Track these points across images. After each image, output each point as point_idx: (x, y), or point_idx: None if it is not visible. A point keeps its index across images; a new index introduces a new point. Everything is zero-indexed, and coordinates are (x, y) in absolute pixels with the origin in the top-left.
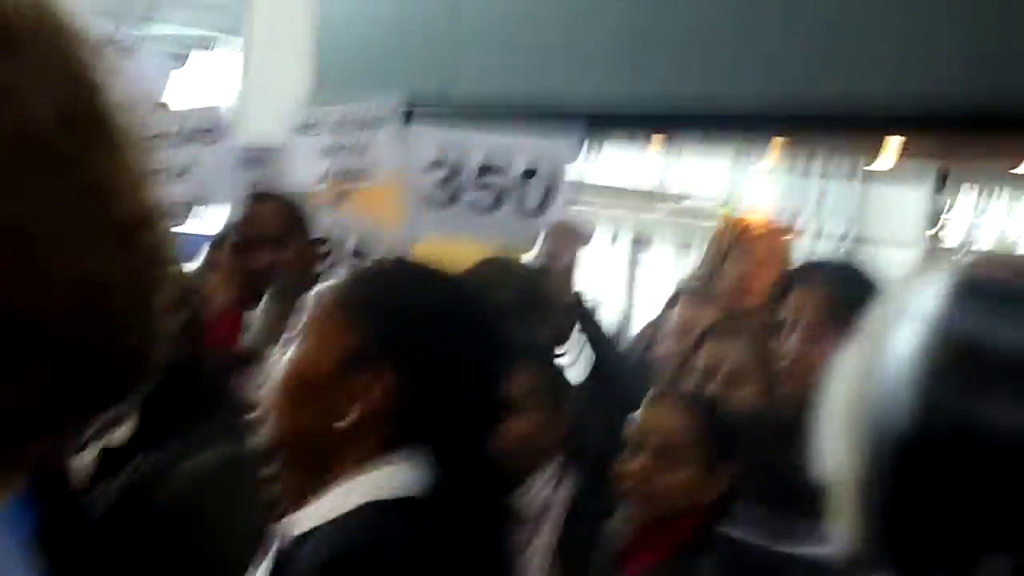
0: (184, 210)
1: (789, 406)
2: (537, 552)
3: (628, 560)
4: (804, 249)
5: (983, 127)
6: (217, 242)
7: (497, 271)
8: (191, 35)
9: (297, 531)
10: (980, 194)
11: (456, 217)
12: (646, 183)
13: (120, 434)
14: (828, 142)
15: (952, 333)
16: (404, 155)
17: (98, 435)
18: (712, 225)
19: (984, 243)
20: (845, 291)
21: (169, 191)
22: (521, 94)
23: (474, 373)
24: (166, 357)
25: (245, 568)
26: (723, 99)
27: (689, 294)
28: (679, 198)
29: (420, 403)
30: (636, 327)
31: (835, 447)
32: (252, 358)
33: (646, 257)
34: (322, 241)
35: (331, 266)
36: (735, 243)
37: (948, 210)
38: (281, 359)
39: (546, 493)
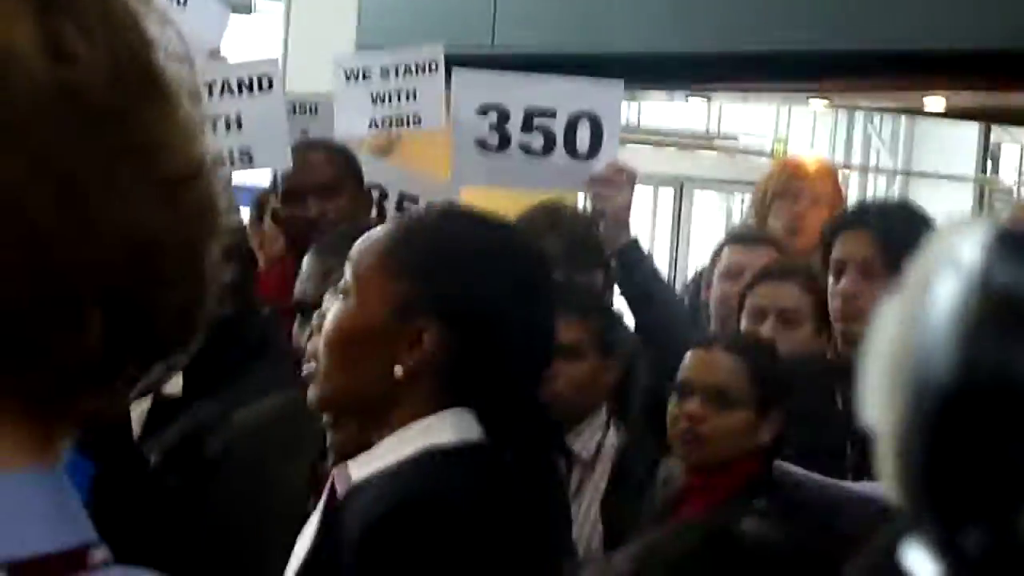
0: (235, 161)
1: (843, 348)
2: (590, 497)
3: (681, 505)
4: (855, 188)
5: None
6: (269, 191)
7: (548, 216)
8: None
9: (355, 478)
10: None
11: (507, 162)
12: (694, 126)
13: (173, 385)
14: (877, 83)
15: (992, 285)
16: (453, 100)
17: (152, 386)
18: (762, 166)
19: None
20: (898, 231)
21: (221, 141)
22: (565, 42)
23: (523, 321)
24: (218, 311)
25: (299, 517)
26: (770, 41)
27: (740, 237)
28: (728, 140)
29: (471, 352)
30: (687, 271)
31: (877, 397)
32: (303, 308)
33: (695, 200)
34: (371, 189)
35: (380, 214)
36: (786, 184)
37: (1002, 145)
38: (330, 314)
39: (598, 438)
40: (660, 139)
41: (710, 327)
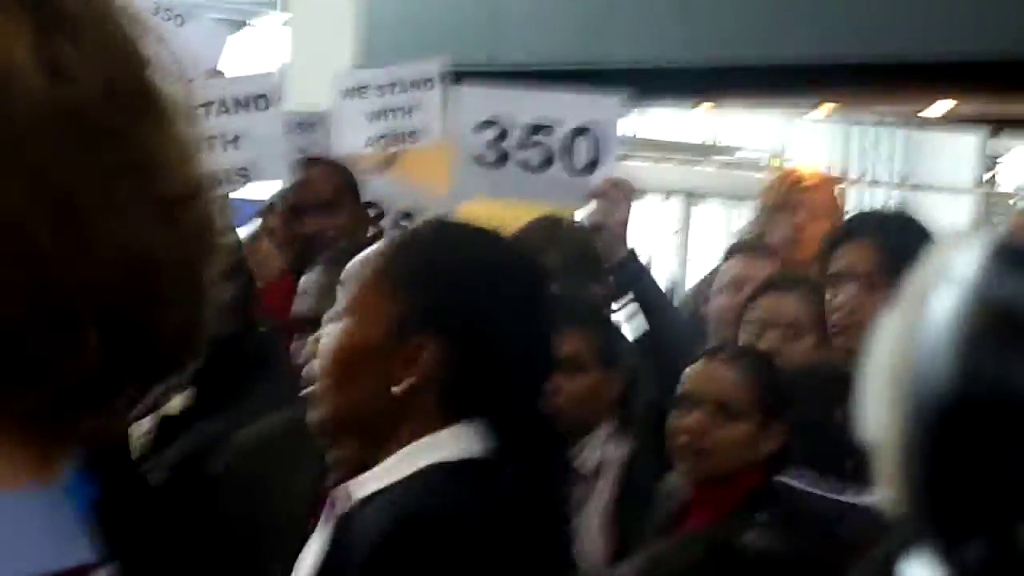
0: (235, 177)
1: (844, 359)
2: (594, 511)
3: (685, 517)
4: (856, 199)
5: None
6: (268, 209)
7: (548, 230)
8: (249, 1)
9: (360, 495)
10: None
11: (506, 177)
12: (696, 137)
13: (176, 403)
14: (878, 94)
15: (990, 297)
16: (452, 116)
17: (155, 405)
18: (763, 178)
19: None
20: (899, 242)
21: (220, 159)
22: (566, 54)
23: (521, 331)
24: (218, 329)
25: (301, 534)
26: (771, 54)
27: (742, 248)
28: (729, 152)
29: (470, 365)
30: (689, 282)
31: (877, 409)
32: (305, 325)
33: (697, 212)
34: (372, 205)
35: (381, 230)
36: (787, 196)
37: (1002, 155)
38: (326, 336)
39: (602, 452)
40: (662, 152)
41: (710, 339)
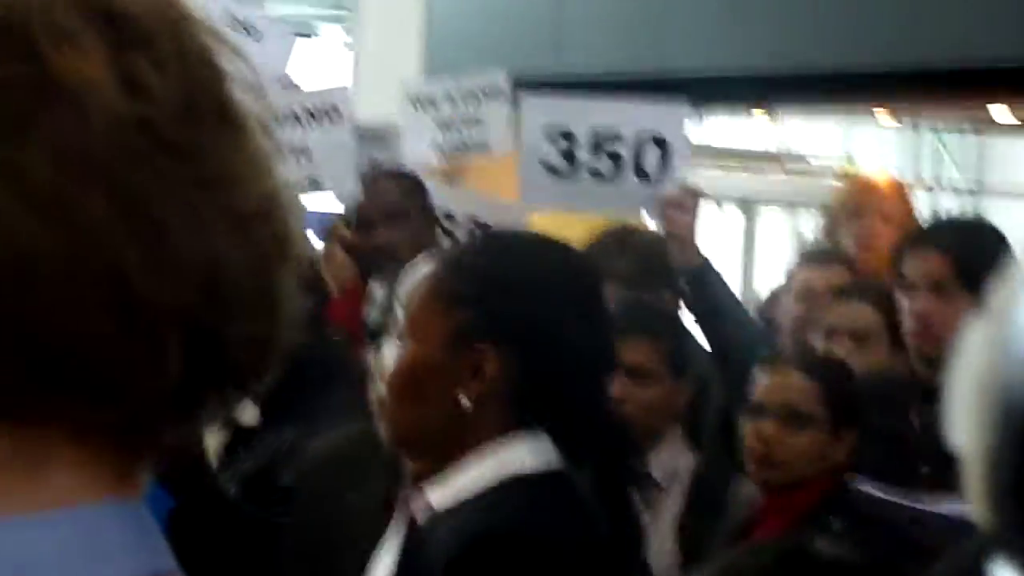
0: (305, 190)
1: (917, 367)
2: (665, 519)
3: (756, 525)
4: (927, 205)
5: None
6: (339, 220)
7: (620, 238)
8: (311, 14)
9: (436, 505)
10: None
11: (575, 186)
12: (762, 145)
13: (249, 414)
14: (940, 100)
15: None
16: (519, 126)
17: (227, 415)
18: (831, 185)
19: None
20: (969, 249)
21: (290, 170)
22: (630, 62)
23: (580, 335)
24: (293, 340)
25: (374, 543)
26: (837, 59)
27: (812, 256)
28: (796, 159)
29: (533, 374)
30: (757, 290)
31: (964, 419)
32: (374, 335)
33: (764, 219)
34: (441, 216)
35: (451, 241)
36: (856, 203)
37: None
38: (389, 357)
39: (673, 460)
40: (728, 160)
41: (783, 347)
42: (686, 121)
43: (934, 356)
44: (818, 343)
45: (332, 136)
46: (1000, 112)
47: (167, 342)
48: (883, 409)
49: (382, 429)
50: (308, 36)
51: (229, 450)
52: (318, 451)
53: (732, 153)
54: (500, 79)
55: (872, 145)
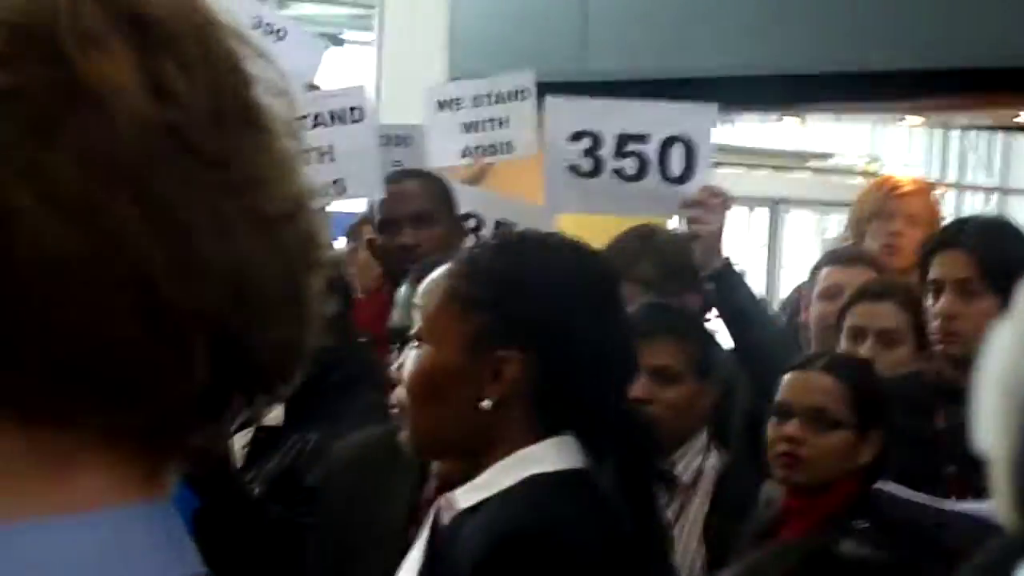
0: (329, 191)
1: (943, 367)
2: (691, 521)
3: (781, 526)
4: (952, 205)
5: None
6: (362, 222)
7: (643, 240)
8: (336, 15)
9: (462, 505)
10: None
11: (600, 187)
12: (786, 145)
13: (275, 415)
14: (968, 101)
15: None
16: (544, 128)
17: (252, 416)
18: (856, 185)
19: None
20: (995, 249)
21: (314, 172)
22: (656, 64)
23: (599, 334)
24: (319, 342)
25: (400, 545)
26: (863, 60)
27: (838, 256)
28: (821, 158)
29: (555, 376)
30: (782, 291)
31: (991, 420)
32: (399, 337)
33: (790, 219)
34: (466, 218)
35: (476, 242)
36: (882, 203)
37: None
38: (408, 362)
39: (698, 461)
40: (753, 159)
41: (809, 348)
42: (712, 123)
43: (960, 356)
44: (844, 343)
45: (354, 137)
46: None
47: (193, 345)
48: (908, 410)
49: (405, 436)
50: (340, 44)
51: (253, 451)
52: (343, 453)
53: (757, 152)
54: (526, 80)
55: (898, 145)
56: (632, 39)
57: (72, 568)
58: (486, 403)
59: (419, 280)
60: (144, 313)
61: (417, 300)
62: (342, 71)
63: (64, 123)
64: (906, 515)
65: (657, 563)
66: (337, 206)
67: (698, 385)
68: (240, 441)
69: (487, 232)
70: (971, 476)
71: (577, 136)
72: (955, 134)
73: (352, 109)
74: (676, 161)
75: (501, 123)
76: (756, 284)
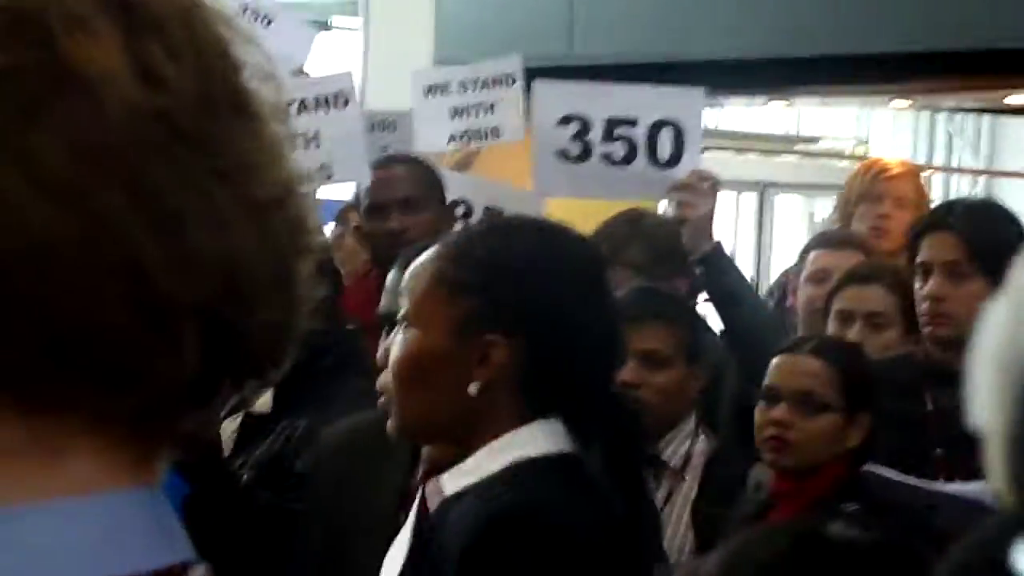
0: (316, 177)
1: (932, 349)
2: (680, 505)
3: (770, 510)
4: (941, 187)
5: None
6: (350, 208)
7: (632, 224)
8: (324, 0)
9: (450, 490)
10: None
11: (588, 171)
12: (775, 128)
13: (264, 401)
14: (958, 82)
15: None
16: (532, 112)
17: (241, 402)
18: (844, 168)
19: None
20: (983, 231)
21: (301, 158)
22: (643, 49)
23: (586, 318)
24: (307, 328)
25: (389, 531)
26: (850, 44)
27: (826, 240)
28: (809, 142)
29: (542, 360)
30: (770, 275)
31: (986, 398)
32: (388, 322)
33: (778, 203)
34: (455, 204)
35: (464, 227)
36: (870, 187)
37: None
38: (395, 346)
39: (687, 446)
40: (741, 143)
41: (797, 331)
42: (701, 107)
43: (948, 338)
44: (832, 327)
45: (341, 123)
46: (1014, 99)
47: (183, 331)
48: (897, 392)
49: (391, 420)
50: (327, 29)
51: (242, 437)
52: (332, 439)
53: (745, 136)
54: (513, 65)
55: (886, 128)
56: (619, 23)
57: (60, 553)
58: (473, 387)
59: (408, 266)
60: (134, 299)
61: (404, 284)
62: (329, 56)
63: (52, 106)
64: (896, 497)
65: (647, 547)
66: (324, 192)
67: (687, 369)
68: (229, 428)
69: (475, 217)
70: (960, 458)
71: (565, 120)
72: (942, 116)
73: (338, 95)
74: (665, 145)
75: (488, 108)
76: (745, 268)
